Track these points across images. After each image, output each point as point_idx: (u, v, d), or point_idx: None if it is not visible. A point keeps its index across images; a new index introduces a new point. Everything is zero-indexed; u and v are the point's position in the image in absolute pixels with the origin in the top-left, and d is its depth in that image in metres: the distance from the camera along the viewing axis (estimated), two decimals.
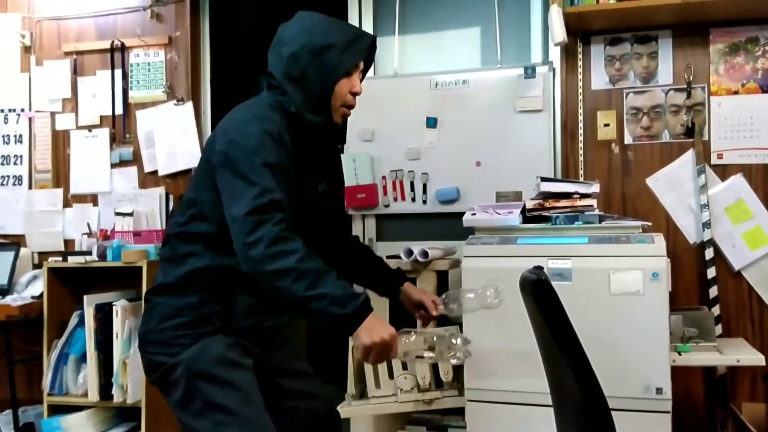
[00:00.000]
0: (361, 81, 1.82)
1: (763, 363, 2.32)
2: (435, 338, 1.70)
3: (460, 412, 2.30)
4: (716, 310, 2.74)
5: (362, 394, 2.43)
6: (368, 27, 3.35)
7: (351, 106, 1.80)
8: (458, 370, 2.29)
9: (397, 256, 2.55)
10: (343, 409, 2.25)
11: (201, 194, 1.73)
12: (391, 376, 2.36)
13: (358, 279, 2.03)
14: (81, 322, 3.03)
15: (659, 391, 2.04)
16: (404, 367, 2.34)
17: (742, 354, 2.38)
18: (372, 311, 1.56)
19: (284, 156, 1.65)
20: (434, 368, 2.29)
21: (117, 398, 2.93)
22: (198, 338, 1.69)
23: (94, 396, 2.97)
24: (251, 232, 1.52)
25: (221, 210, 1.65)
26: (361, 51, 1.77)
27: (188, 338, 1.68)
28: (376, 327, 1.56)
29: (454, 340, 1.70)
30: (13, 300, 3.12)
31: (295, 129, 1.72)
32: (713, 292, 2.77)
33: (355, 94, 1.79)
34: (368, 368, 2.36)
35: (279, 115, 1.70)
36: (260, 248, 1.51)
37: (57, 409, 3.06)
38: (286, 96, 1.71)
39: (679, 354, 2.30)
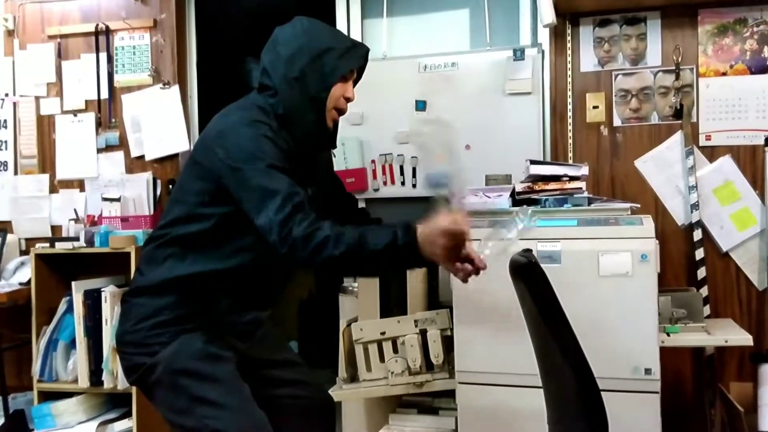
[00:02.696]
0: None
1: (751, 343, 2.34)
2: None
3: (450, 394, 2.31)
4: (704, 291, 2.76)
5: (353, 377, 2.43)
6: (356, 9, 3.32)
7: (343, 111, 1.82)
8: (449, 353, 2.30)
9: None
10: (335, 393, 2.25)
11: (188, 197, 1.71)
12: (381, 359, 2.36)
13: None
14: (70, 308, 3.01)
15: (648, 371, 2.05)
16: (395, 350, 2.34)
17: (730, 334, 2.40)
18: (416, 229, 1.53)
19: (280, 158, 1.64)
20: (425, 351, 2.30)
21: (107, 384, 2.93)
22: (176, 335, 1.68)
23: (84, 382, 2.97)
24: (284, 241, 1.52)
25: (213, 210, 1.66)
26: (358, 58, 1.81)
27: (166, 336, 1.67)
28: (432, 238, 1.51)
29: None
30: (0, 287, 3.10)
31: (286, 131, 1.71)
32: (701, 273, 2.79)
33: (348, 100, 1.81)
34: (359, 352, 2.36)
35: (270, 118, 1.69)
36: (299, 252, 1.52)
37: (47, 396, 3.06)
38: (276, 98, 1.72)
39: (668, 335, 2.31)
